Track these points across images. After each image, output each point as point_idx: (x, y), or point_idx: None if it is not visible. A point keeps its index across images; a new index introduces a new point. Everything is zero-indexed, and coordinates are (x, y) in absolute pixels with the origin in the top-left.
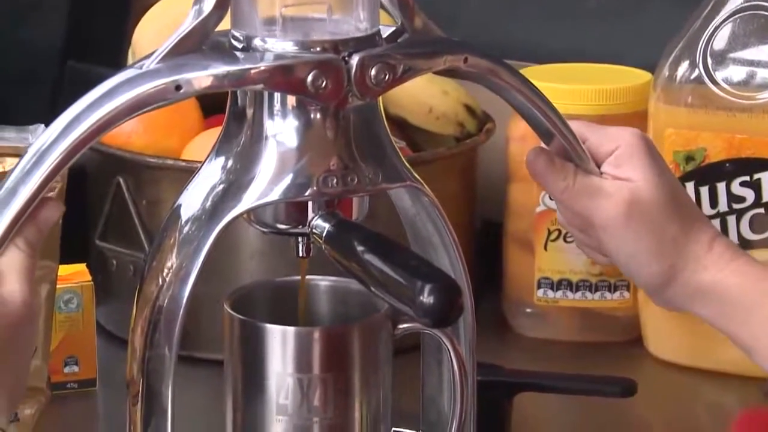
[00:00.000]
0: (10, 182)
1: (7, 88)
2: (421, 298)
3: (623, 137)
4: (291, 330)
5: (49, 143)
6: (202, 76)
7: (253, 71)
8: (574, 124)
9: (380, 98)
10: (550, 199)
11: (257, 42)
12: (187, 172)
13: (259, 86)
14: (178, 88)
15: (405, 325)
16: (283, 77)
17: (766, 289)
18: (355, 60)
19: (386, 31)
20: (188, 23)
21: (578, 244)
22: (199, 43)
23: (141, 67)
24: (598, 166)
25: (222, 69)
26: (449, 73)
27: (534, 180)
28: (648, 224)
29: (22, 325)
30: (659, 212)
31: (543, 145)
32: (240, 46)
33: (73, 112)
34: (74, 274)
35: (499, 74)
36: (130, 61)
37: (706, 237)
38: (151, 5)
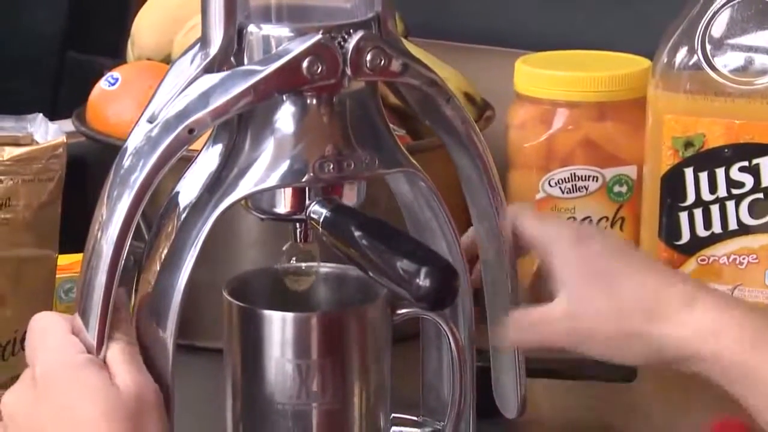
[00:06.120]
0: (80, 285)
1: (8, 77)
2: (417, 281)
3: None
4: (290, 316)
5: (100, 232)
6: (206, 113)
7: (249, 90)
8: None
9: (378, 84)
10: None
11: (252, 29)
12: (186, 161)
13: (256, 99)
14: (191, 131)
15: (404, 310)
16: (279, 81)
17: None
18: (351, 43)
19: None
20: (196, 67)
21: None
22: None
23: (152, 120)
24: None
25: (221, 101)
26: (423, 105)
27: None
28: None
29: (144, 415)
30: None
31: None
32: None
33: (111, 192)
34: (75, 264)
35: (471, 129)
36: (129, 51)
37: None
38: None
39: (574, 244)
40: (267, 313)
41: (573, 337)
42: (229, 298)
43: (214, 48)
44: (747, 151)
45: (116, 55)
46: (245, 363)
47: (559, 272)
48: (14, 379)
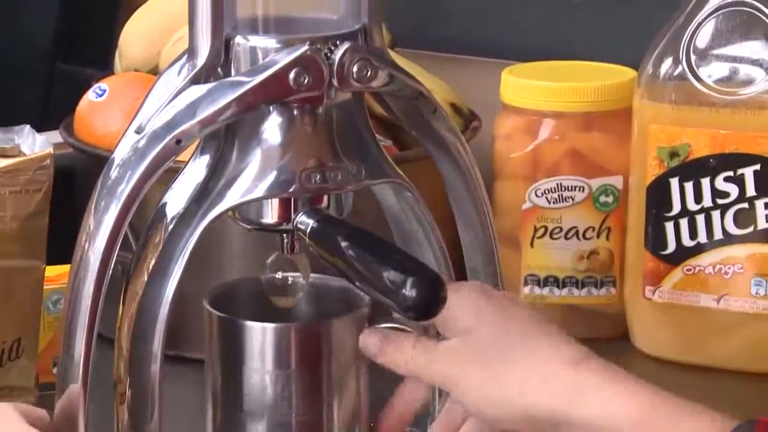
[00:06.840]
0: (68, 296)
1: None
2: (404, 291)
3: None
4: (269, 326)
5: (88, 243)
6: (194, 124)
7: (236, 101)
8: None
9: (365, 95)
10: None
11: (239, 40)
12: (173, 172)
13: (243, 110)
14: (178, 142)
15: (384, 325)
16: (265, 92)
17: None
18: (337, 54)
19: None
20: (183, 78)
21: None
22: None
23: (139, 131)
24: None
25: (208, 111)
26: (409, 116)
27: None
28: None
29: None
30: None
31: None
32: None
33: (98, 203)
34: (62, 275)
35: (457, 139)
36: (117, 61)
37: None
38: (140, 7)
39: (476, 289)
40: (246, 323)
41: (449, 376)
42: (209, 307)
43: (201, 59)
44: (732, 161)
45: (105, 66)
46: (225, 372)
47: (457, 313)
48: (3, 390)
